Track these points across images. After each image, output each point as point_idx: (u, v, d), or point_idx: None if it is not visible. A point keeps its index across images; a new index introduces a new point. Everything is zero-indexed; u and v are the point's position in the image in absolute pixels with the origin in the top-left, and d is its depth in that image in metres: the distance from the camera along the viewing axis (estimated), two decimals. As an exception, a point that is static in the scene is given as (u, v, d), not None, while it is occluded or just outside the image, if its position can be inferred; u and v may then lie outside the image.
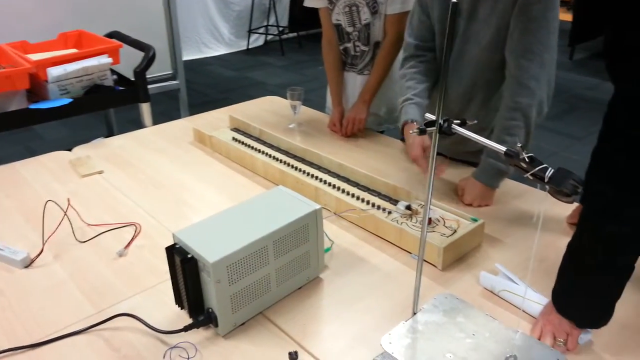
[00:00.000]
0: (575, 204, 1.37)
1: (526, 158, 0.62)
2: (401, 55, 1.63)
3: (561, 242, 1.25)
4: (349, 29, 1.84)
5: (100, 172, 1.63)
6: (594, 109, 4.49)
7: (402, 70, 1.59)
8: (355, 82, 1.93)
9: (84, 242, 1.28)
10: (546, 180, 0.61)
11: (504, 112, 1.35)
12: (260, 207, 1.07)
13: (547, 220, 1.34)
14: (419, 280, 0.87)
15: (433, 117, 0.73)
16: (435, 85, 1.59)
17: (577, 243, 0.93)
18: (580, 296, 0.92)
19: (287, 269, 1.05)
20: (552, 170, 0.62)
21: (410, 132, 0.72)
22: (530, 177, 0.63)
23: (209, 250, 0.93)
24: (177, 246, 0.98)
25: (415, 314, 0.89)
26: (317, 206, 1.07)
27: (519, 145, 0.63)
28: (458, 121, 0.73)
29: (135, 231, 1.31)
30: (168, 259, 0.98)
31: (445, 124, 0.72)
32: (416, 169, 1.58)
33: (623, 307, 0.94)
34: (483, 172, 1.40)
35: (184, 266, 0.94)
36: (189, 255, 0.95)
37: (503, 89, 1.40)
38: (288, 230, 1.02)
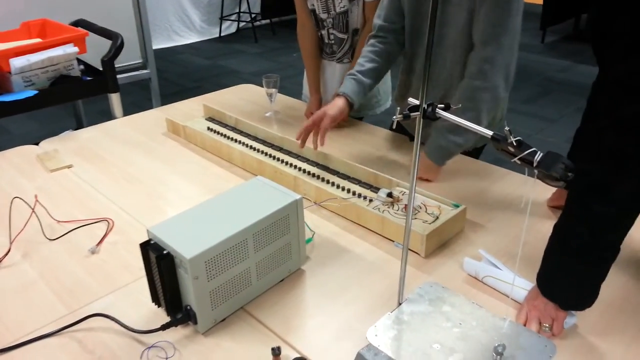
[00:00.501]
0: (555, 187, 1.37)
1: (514, 142, 0.60)
2: None
3: (542, 225, 1.26)
4: (323, 16, 1.80)
5: (70, 167, 1.57)
6: (566, 91, 4.54)
7: (363, 48, 1.58)
8: (334, 71, 1.89)
9: (54, 239, 1.23)
10: (535, 164, 0.59)
11: (457, 91, 1.37)
12: (239, 199, 1.04)
13: (526, 204, 1.34)
14: (403, 271, 0.85)
15: (417, 102, 0.70)
16: (390, 66, 1.58)
17: (562, 224, 0.92)
18: (565, 278, 0.91)
19: (268, 262, 1.02)
20: (541, 154, 0.60)
21: (394, 117, 0.69)
22: (518, 162, 0.61)
23: (186, 246, 0.90)
24: (151, 242, 0.94)
25: (400, 304, 0.86)
26: (298, 196, 1.04)
27: (507, 129, 0.61)
28: (442, 105, 0.70)
29: (108, 227, 1.26)
30: (143, 255, 0.94)
31: (430, 109, 0.69)
32: (399, 158, 1.57)
33: (608, 288, 0.94)
34: (430, 150, 1.42)
35: (159, 263, 0.90)
36: (165, 252, 0.91)
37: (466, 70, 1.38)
38: (268, 222, 0.99)
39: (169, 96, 4.19)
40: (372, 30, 1.66)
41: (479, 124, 1.33)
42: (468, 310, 0.84)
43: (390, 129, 1.78)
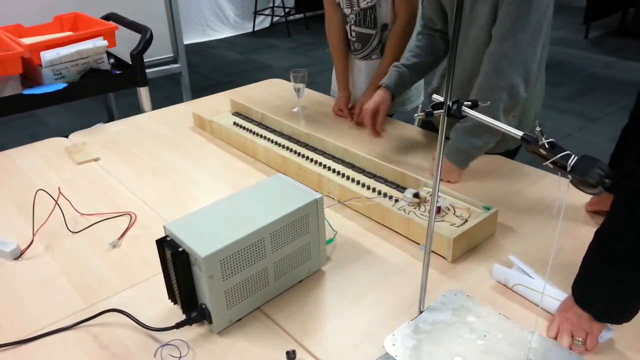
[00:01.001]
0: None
1: (546, 144, 0.54)
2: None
3: (579, 230, 1.19)
4: (347, 11, 1.76)
5: (97, 160, 1.58)
6: (610, 89, 4.36)
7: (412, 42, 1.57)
8: (360, 69, 1.84)
9: (77, 232, 1.23)
10: (569, 169, 0.54)
11: (473, 90, 1.31)
12: (257, 197, 1.01)
13: (564, 208, 1.27)
14: (425, 276, 0.81)
15: (441, 99, 0.65)
16: (436, 64, 1.56)
17: (606, 229, 0.85)
18: (604, 285, 0.84)
19: (286, 263, 0.99)
20: (576, 157, 0.54)
21: (416, 115, 0.64)
22: (550, 165, 0.56)
23: (201, 244, 0.87)
24: (168, 239, 0.92)
25: (421, 312, 0.82)
26: (318, 195, 1.00)
27: (538, 129, 0.56)
28: (469, 103, 0.65)
29: (131, 221, 1.26)
30: (159, 252, 0.93)
31: (455, 106, 0.64)
32: (427, 157, 1.52)
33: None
34: (450, 152, 1.37)
35: (174, 260, 0.89)
36: (180, 249, 0.89)
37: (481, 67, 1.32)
38: (286, 222, 0.96)
39: (201, 90, 4.21)
40: (407, 25, 1.62)
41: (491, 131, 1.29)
42: (494, 321, 0.79)
43: (419, 125, 1.73)
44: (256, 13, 6.45)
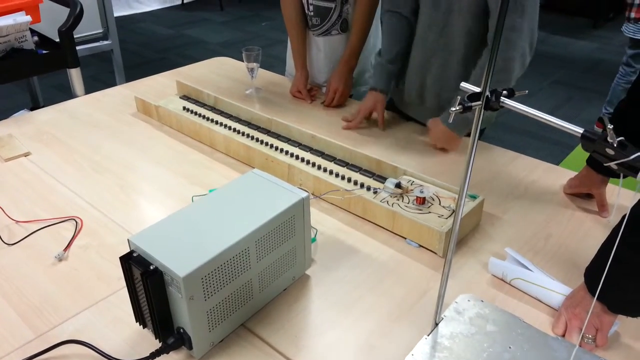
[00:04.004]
0: (571, 172, 1.27)
1: (616, 143, 0.47)
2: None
3: (562, 215, 1.16)
4: None
5: (27, 155, 1.37)
6: (542, 64, 4.48)
7: (383, 19, 1.48)
8: (318, 45, 1.72)
9: (13, 244, 1.05)
10: (643, 172, 0.47)
11: (481, 62, 1.29)
12: (235, 199, 0.88)
13: (540, 192, 1.24)
14: (444, 287, 0.72)
15: (476, 89, 0.56)
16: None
17: (636, 212, 0.77)
18: (623, 275, 0.78)
19: (271, 271, 0.88)
20: (650, 159, 0.47)
21: (452, 110, 0.55)
22: (615, 167, 0.48)
23: (178, 260, 0.74)
24: (134, 255, 0.78)
25: (437, 324, 0.74)
26: (304, 194, 0.89)
27: (610, 127, 0.48)
28: (506, 92, 0.57)
29: (77, 227, 1.09)
30: (124, 270, 0.79)
31: (493, 97, 0.55)
32: (397, 140, 1.45)
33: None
34: (447, 115, 1.31)
35: (146, 281, 0.75)
36: (152, 267, 0.75)
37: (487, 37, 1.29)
38: (272, 226, 0.84)
39: (132, 68, 3.93)
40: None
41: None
42: (516, 329, 0.73)
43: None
44: (185, -16, 6.09)
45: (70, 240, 1.05)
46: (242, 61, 1.72)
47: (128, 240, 0.79)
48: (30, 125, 1.53)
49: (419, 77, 1.43)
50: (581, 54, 4.69)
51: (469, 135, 1.35)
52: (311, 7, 1.66)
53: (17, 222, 1.11)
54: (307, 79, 1.72)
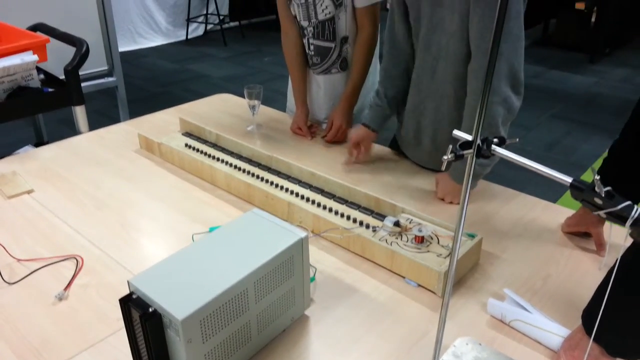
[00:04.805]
0: (569, 211, 1.28)
1: (603, 193, 0.48)
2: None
3: (560, 254, 1.16)
4: (304, 24, 1.67)
5: (30, 192, 1.39)
6: (541, 98, 4.54)
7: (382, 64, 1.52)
8: (318, 83, 1.76)
9: (14, 283, 1.05)
10: (631, 222, 0.48)
11: (468, 111, 1.29)
12: (234, 239, 0.89)
13: (539, 230, 1.24)
14: (441, 332, 0.73)
15: (467, 137, 0.58)
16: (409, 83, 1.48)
17: (631, 257, 0.78)
18: (620, 318, 0.79)
19: (270, 312, 0.88)
20: (638, 209, 0.48)
21: (445, 158, 0.56)
22: (603, 216, 0.49)
23: (176, 303, 0.75)
24: (134, 297, 0.79)
25: (435, 369, 0.74)
26: (303, 234, 0.90)
27: (597, 177, 0.49)
28: (496, 140, 0.58)
29: (77, 266, 1.10)
30: (123, 312, 0.79)
31: (484, 145, 0.57)
32: (397, 177, 1.46)
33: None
34: (455, 170, 1.33)
35: (144, 323, 0.75)
36: (151, 309, 0.76)
37: (467, 86, 1.29)
38: (271, 267, 0.85)
39: (136, 102, 3.99)
40: (372, 37, 1.56)
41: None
42: (513, 373, 0.73)
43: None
44: (189, 20, 6.22)
45: (71, 280, 1.06)
46: (244, 97, 1.75)
47: (128, 282, 0.80)
48: (34, 162, 1.55)
49: (415, 120, 1.45)
50: (579, 88, 4.75)
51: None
52: (312, 47, 1.70)
53: (19, 260, 1.11)
54: (307, 116, 1.75)
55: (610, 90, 4.71)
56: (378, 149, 1.64)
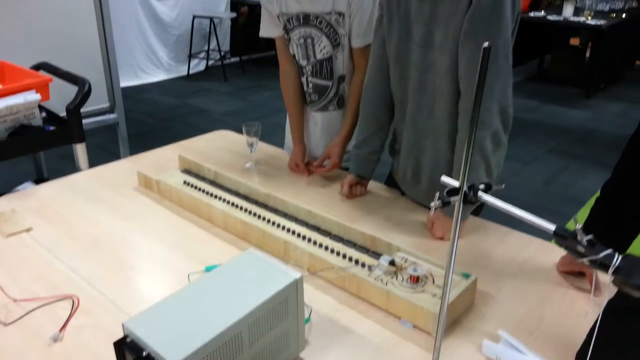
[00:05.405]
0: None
1: (585, 242, 0.49)
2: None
3: (555, 294, 1.16)
4: (303, 63, 1.71)
5: (28, 230, 1.40)
6: (537, 132, 4.59)
7: (363, 95, 1.55)
8: (316, 120, 1.79)
9: (10, 324, 1.05)
10: (612, 270, 0.49)
11: (459, 146, 1.32)
12: (229, 281, 0.90)
13: (534, 269, 1.25)
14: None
15: (454, 183, 0.59)
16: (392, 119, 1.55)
17: (621, 306, 0.79)
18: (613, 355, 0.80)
19: (264, 355, 0.88)
20: (619, 257, 0.49)
21: (432, 205, 0.58)
22: (587, 263, 0.51)
23: (170, 346, 0.75)
24: (128, 340, 0.79)
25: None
26: (297, 275, 0.91)
27: (579, 226, 0.50)
28: (483, 186, 0.60)
29: (73, 306, 1.10)
30: (117, 356, 0.79)
31: (471, 192, 0.58)
32: (394, 214, 1.47)
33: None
34: (450, 207, 1.32)
35: (138, 367, 0.76)
36: (145, 353, 0.76)
37: (458, 122, 1.33)
38: (265, 309, 0.85)
39: (136, 137, 4.03)
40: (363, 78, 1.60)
41: (490, 175, 1.28)
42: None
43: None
44: (191, 56, 6.34)
45: (66, 321, 1.06)
46: (243, 133, 1.78)
47: (122, 325, 0.80)
48: (34, 200, 1.56)
49: (413, 158, 1.47)
50: (575, 123, 4.81)
51: (474, 213, 1.39)
52: (310, 85, 1.74)
53: (15, 300, 1.12)
54: (304, 153, 1.78)
55: (606, 125, 4.77)
56: (374, 185, 1.65)
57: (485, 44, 0.50)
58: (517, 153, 4.10)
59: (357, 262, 1.20)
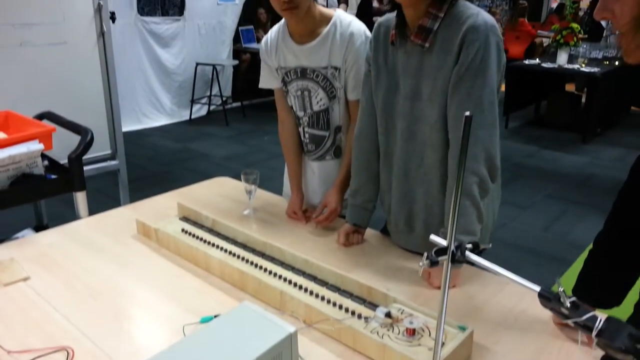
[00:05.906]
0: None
1: (568, 304, 0.50)
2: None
3: (552, 346, 1.15)
4: (300, 114, 1.76)
5: (26, 279, 1.40)
6: (535, 177, 4.63)
7: (354, 145, 1.58)
8: (313, 169, 1.82)
9: (1, 377, 1.05)
10: (595, 332, 0.50)
11: (449, 192, 1.37)
12: (223, 335, 0.90)
13: (530, 321, 1.24)
14: None
15: (443, 243, 0.61)
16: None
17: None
18: None
19: (258, 411, 0.87)
20: (602, 320, 0.50)
21: (421, 264, 0.59)
22: (571, 324, 0.51)
23: (163, 403, 0.75)
24: (121, 396, 0.78)
25: None
26: (292, 329, 0.91)
27: (561, 289, 0.52)
28: (470, 246, 0.61)
29: (67, 359, 1.09)
30: (109, 412, 0.78)
31: (459, 252, 0.60)
32: (390, 264, 1.47)
33: None
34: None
35: None
36: (137, 410, 0.76)
37: (448, 169, 1.37)
38: (259, 365, 0.85)
39: (136, 181, 4.05)
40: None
41: (479, 217, 1.31)
42: None
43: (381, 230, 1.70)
44: (193, 101, 6.47)
45: (59, 373, 1.05)
46: (241, 180, 1.80)
47: (115, 380, 0.80)
48: (32, 248, 1.57)
49: (406, 207, 1.48)
50: (572, 168, 4.85)
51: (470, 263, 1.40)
52: (307, 135, 1.78)
53: (9, 352, 1.11)
54: (302, 200, 1.80)
55: (603, 170, 4.81)
56: (372, 233, 1.66)
57: (467, 113, 0.53)
58: (515, 198, 4.12)
59: (353, 313, 1.20)
